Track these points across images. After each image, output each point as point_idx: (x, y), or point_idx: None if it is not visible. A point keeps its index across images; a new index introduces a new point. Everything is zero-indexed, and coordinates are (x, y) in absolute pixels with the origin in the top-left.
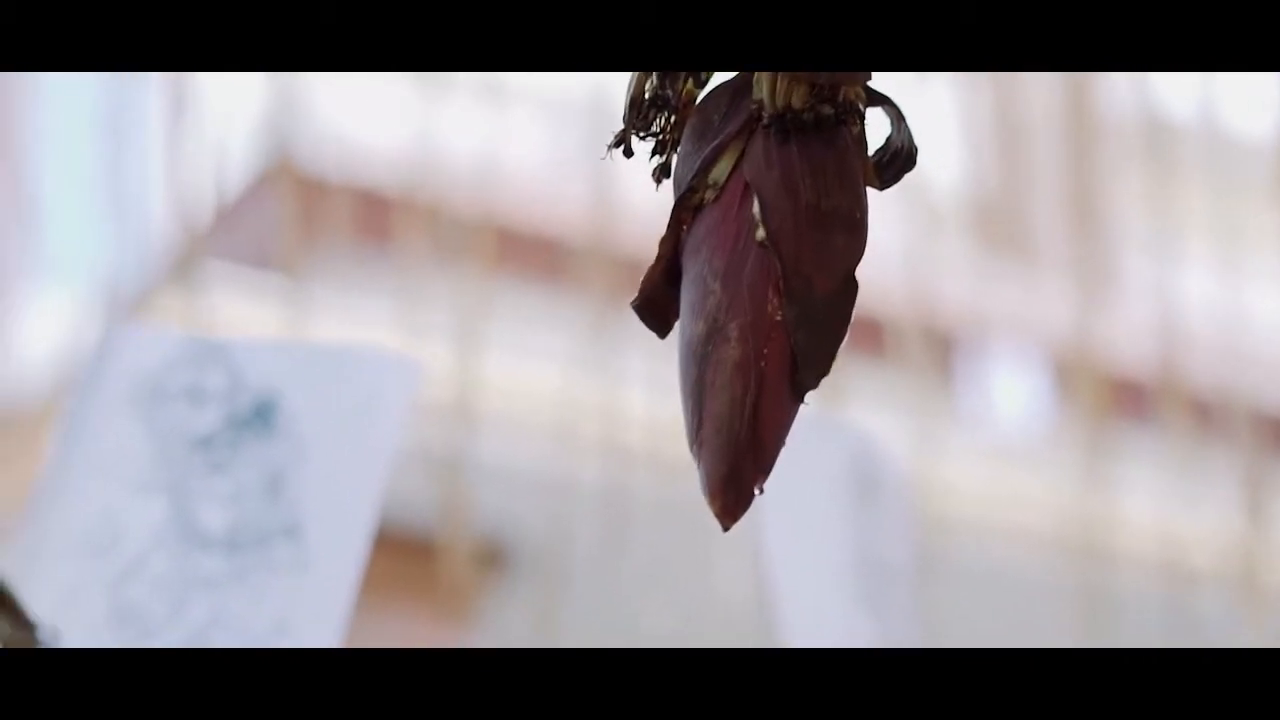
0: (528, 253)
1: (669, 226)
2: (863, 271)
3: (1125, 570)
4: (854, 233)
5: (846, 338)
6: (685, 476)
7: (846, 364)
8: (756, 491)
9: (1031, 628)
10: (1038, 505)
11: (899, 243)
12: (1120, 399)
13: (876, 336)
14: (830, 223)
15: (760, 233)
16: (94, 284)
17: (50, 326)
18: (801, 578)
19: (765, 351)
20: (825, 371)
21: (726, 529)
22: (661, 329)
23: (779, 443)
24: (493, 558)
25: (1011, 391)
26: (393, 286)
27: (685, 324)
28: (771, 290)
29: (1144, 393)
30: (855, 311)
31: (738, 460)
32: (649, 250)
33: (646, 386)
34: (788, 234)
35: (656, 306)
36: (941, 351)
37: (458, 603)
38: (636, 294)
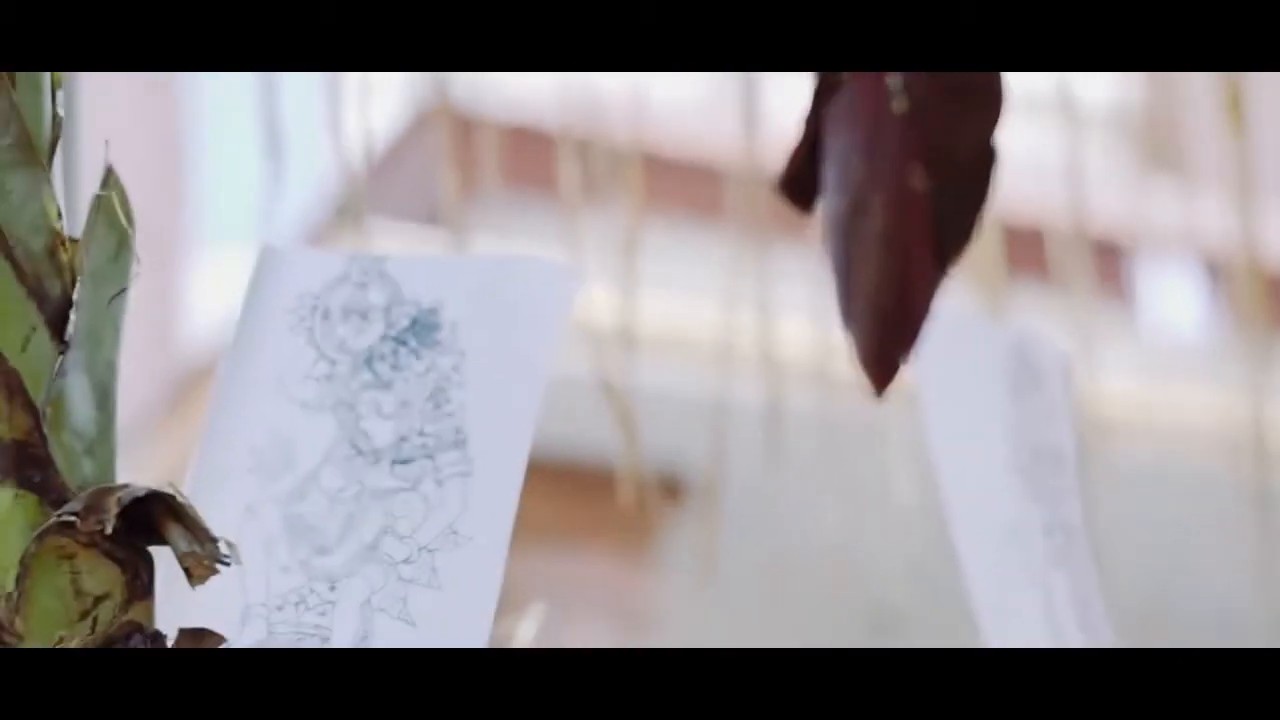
0: (683, 184)
1: (810, 105)
2: (1020, 185)
3: None
4: (992, 101)
5: (1005, 251)
6: (848, 393)
7: (1006, 278)
8: (906, 361)
9: (1200, 534)
10: (1203, 413)
11: (1056, 155)
12: None
13: (1036, 250)
14: (968, 93)
15: (900, 106)
16: (260, 236)
17: (221, 285)
18: (969, 473)
19: (909, 222)
20: (969, 239)
21: (878, 397)
22: (806, 206)
23: (926, 311)
24: (669, 488)
25: (1173, 302)
26: (551, 223)
27: (830, 200)
28: (913, 162)
29: None
30: (1014, 225)
31: (886, 331)
32: None
33: (804, 312)
34: (927, 106)
35: (801, 184)
36: (1102, 264)
37: (638, 534)
38: (782, 173)
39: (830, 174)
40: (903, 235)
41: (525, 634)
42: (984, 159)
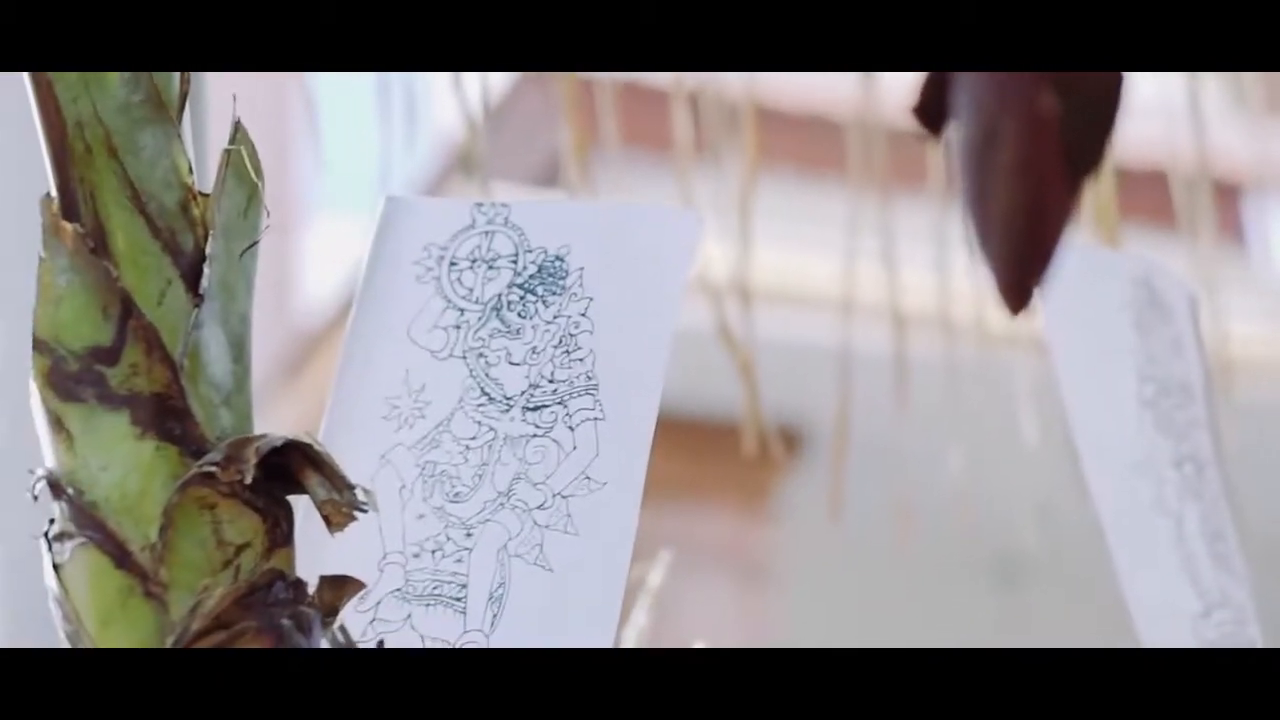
0: (798, 135)
1: None
2: (1140, 129)
3: None
4: None
5: (1125, 195)
6: (970, 340)
7: (1125, 222)
8: (1040, 286)
9: None
10: None
11: (1179, 97)
12: None
13: (1156, 193)
14: None
15: None
16: (378, 196)
17: (337, 248)
18: (1097, 407)
19: (1040, 149)
20: (1099, 164)
21: (1014, 319)
22: (936, 133)
23: (1060, 236)
24: (789, 441)
25: None
26: (666, 179)
27: (960, 128)
28: (1042, 88)
29: None
30: (1135, 168)
31: (1020, 260)
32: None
33: (924, 260)
34: None
35: (932, 112)
36: (1222, 206)
37: (760, 486)
38: (914, 101)
39: (961, 101)
40: (1034, 161)
41: (654, 581)
42: (1114, 83)
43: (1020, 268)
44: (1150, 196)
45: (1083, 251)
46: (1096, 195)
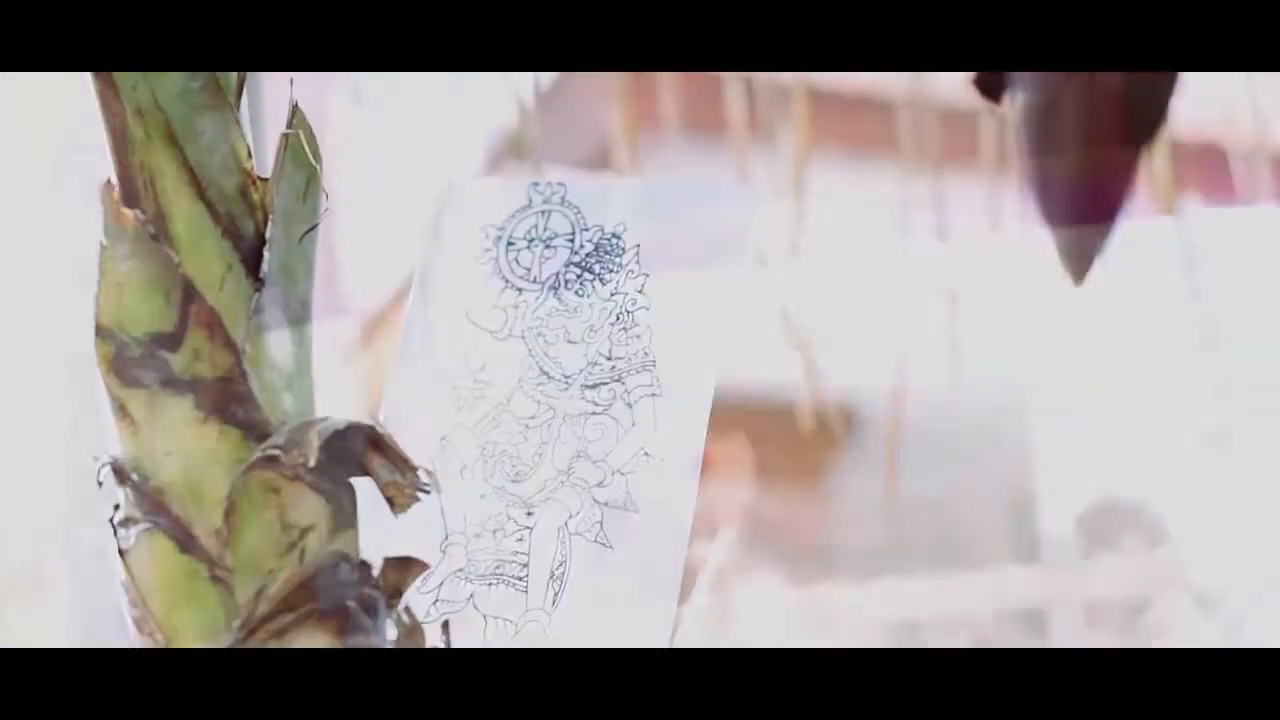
0: (850, 115)
1: None
2: (1205, 101)
3: None
4: None
5: (1180, 165)
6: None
7: (1188, 196)
8: (1103, 253)
9: None
10: None
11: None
12: None
13: (1217, 164)
14: None
15: None
16: (435, 177)
17: (398, 230)
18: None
19: (1101, 115)
20: (1158, 132)
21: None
22: (997, 100)
23: (1120, 208)
24: (845, 418)
25: None
26: (723, 156)
27: (1022, 97)
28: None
29: None
30: (1198, 140)
31: (1083, 224)
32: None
33: (976, 241)
34: None
35: (992, 81)
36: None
37: (816, 464)
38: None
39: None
40: (1096, 128)
41: (716, 557)
42: None
43: (1081, 236)
44: (1208, 169)
45: (1141, 221)
46: (1154, 168)
